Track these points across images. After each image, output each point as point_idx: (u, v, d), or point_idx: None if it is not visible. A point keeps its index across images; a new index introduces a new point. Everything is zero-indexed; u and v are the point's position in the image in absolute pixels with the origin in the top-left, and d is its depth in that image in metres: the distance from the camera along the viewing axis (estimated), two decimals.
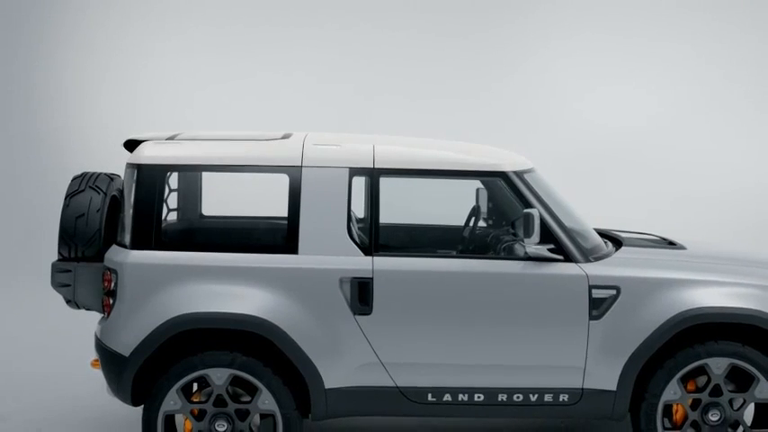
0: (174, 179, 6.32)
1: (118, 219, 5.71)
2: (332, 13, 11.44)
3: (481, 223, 6.47)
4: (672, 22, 11.55)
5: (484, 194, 6.44)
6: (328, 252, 5.20)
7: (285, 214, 6.17)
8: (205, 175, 6.60)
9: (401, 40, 11.41)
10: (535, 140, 10.98)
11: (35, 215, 10.51)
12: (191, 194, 6.51)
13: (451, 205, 7.17)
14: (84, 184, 5.57)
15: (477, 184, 6.60)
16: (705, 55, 11.53)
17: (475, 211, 6.40)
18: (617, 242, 5.93)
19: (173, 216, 6.48)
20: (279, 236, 6.52)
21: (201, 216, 6.61)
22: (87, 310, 5.62)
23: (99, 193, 5.53)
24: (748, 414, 6.03)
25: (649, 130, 11.41)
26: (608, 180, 11.17)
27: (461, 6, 11.53)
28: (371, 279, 5.17)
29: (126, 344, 5.15)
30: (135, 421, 6.50)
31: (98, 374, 7.24)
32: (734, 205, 11.13)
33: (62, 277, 5.46)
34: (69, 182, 5.71)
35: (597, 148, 11.30)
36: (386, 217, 6.57)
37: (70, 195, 5.54)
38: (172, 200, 6.33)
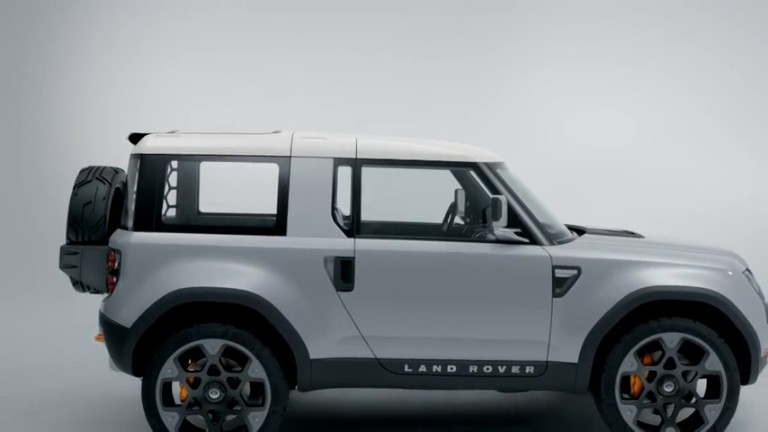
0: (173, 178, 6.80)
1: (121, 208, 6.21)
2: (328, 41, 11.99)
3: (459, 221, 6.96)
4: (654, 51, 12.13)
5: (462, 195, 6.92)
6: (314, 234, 5.68)
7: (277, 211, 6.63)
8: (203, 175, 7.09)
9: (397, 65, 11.95)
10: (524, 160, 11.43)
11: (36, 212, 10.96)
12: (189, 192, 6.98)
13: (434, 206, 7.69)
14: (91, 175, 6.08)
15: (455, 184, 7.10)
16: (684, 82, 12.11)
17: (452, 208, 6.89)
18: (581, 232, 6.42)
19: (171, 212, 6.96)
20: (269, 221, 6.99)
21: (199, 213, 7.08)
22: (92, 292, 6.08)
23: (105, 184, 6.03)
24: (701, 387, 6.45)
25: (632, 152, 11.93)
26: (596, 198, 11.65)
27: (453, 31, 12.08)
28: (353, 258, 5.65)
29: (128, 317, 5.61)
30: (132, 404, 6.93)
31: (96, 368, 7.70)
32: (716, 222, 11.62)
33: (70, 259, 5.93)
34: (77, 174, 6.23)
35: (586, 169, 11.81)
36: (373, 215, 7.06)
37: (78, 185, 6.03)
38: (171, 198, 6.82)
